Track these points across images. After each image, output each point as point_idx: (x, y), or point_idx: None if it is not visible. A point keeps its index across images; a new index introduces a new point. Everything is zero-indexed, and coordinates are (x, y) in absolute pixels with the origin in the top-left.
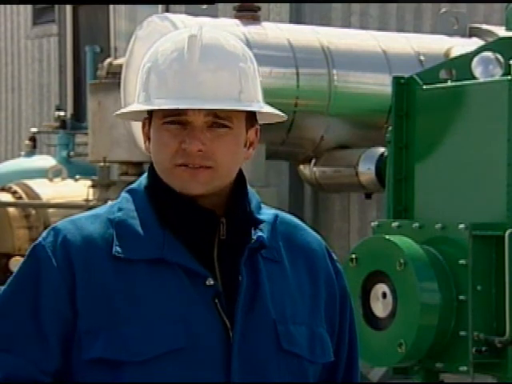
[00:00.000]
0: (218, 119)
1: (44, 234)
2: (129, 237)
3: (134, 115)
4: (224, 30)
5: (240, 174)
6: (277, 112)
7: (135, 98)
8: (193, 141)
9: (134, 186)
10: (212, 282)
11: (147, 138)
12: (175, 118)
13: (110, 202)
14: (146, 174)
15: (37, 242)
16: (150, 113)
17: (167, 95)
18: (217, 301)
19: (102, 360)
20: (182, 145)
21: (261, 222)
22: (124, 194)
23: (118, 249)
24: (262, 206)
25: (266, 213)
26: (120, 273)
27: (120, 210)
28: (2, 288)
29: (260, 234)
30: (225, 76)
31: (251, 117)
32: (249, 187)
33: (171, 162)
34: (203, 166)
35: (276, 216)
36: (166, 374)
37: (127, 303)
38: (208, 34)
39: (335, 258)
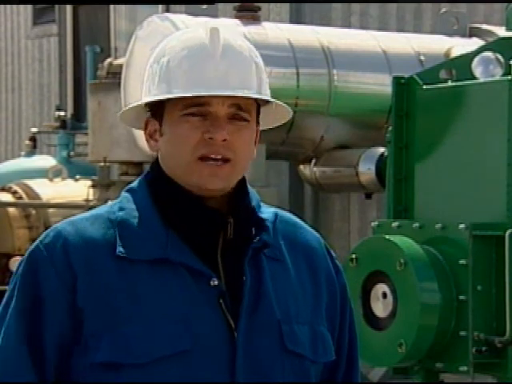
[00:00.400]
0: (241, 111)
1: (42, 236)
2: (132, 237)
3: (136, 121)
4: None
5: None
6: (288, 108)
7: (145, 93)
8: (218, 130)
9: (133, 185)
10: (216, 282)
11: (151, 136)
12: (196, 109)
13: (109, 202)
14: (145, 174)
15: (34, 245)
16: (161, 109)
17: (191, 85)
18: (221, 301)
19: (106, 363)
20: (206, 135)
21: (263, 220)
22: (124, 194)
23: (122, 249)
24: (262, 204)
25: (266, 211)
26: (123, 273)
27: (121, 209)
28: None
29: (263, 233)
30: (246, 68)
31: (258, 115)
32: (249, 186)
33: (193, 154)
34: (224, 159)
35: (276, 215)
36: (170, 375)
37: (131, 304)
38: (223, 31)
39: (334, 255)
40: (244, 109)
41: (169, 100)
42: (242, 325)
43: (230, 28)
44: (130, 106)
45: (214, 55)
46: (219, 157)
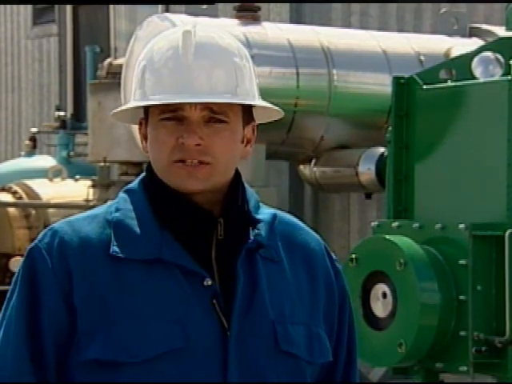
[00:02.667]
0: (215, 114)
1: (40, 235)
2: (126, 237)
3: (131, 118)
4: (224, 29)
5: (236, 173)
6: (271, 106)
7: (131, 97)
8: (190, 135)
9: (131, 186)
10: (210, 283)
11: (144, 137)
12: (171, 115)
13: (108, 203)
14: (143, 174)
15: (33, 244)
16: (147, 112)
17: (163, 91)
18: (215, 301)
19: (99, 361)
20: (179, 140)
21: (259, 221)
22: (122, 194)
23: (116, 248)
24: (261, 205)
25: (265, 212)
26: (117, 273)
27: (117, 210)
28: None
29: (258, 233)
30: (220, 71)
31: (248, 113)
32: (248, 187)
33: (169, 158)
34: (201, 162)
35: (275, 215)
36: (163, 375)
37: (124, 303)
38: (202, 31)
39: (334, 257)
40: (218, 111)
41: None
42: (235, 325)
43: (227, 27)
44: (118, 110)
45: (185, 61)
46: (195, 161)
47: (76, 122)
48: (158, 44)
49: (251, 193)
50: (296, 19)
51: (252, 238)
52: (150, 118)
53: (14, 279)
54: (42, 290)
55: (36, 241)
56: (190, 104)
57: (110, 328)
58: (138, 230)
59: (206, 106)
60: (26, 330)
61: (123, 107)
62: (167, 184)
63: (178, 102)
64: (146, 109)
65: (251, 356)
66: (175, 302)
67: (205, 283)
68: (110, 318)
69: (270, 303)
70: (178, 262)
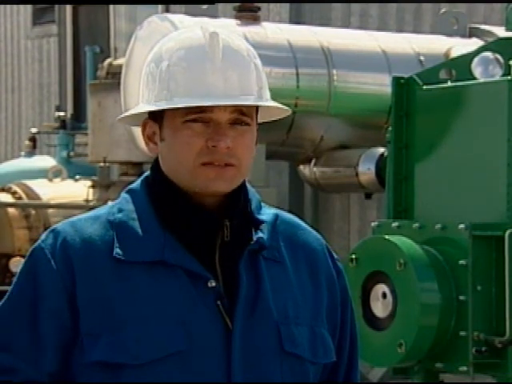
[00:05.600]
0: (242, 116)
1: (43, 236)
2: (129, 238)
3: (133, 119)
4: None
5: None
6: (286, 108)
7: (141, 98)
8: (222, 138)
9: (133, 186)
10: (214, 284)
11: (150, 139)
12: (198, 116)
13: (110, 203)
14: (146, 174)
15: (36, 244)
16: (161, 113)
17: (192, 93)
18: (219, 302)
19: (103, 363)
20: (209, 142)
21: (261, 222)
22: (124, 195)
23: (119, 251)
24: (263, 205)
25: (267, 213)
26: (120, 275)
27: (120, 211)
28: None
29: (260, 235)
30: (247, 72)
31: (257, 115)
32: (249, 187)
33: (196, 160)
34: (229, 164)
35: (276, 216)
36: (167, 377)
37: (127, 305)
38: (223, 33)
39: (336, 257)
40: (246, 113)
41: None
42: (238, 326)
43: (227, 27)
44: (132, 112)
45: (214, 61)
46: (222, 164)
47: (76, 122)
48: (172, 45)
49: (253, 193)
50: (296, 19)
51: (254, 239)
52: (168, 119)
53: (15, 279)
54: (46, 292)
55: (39, 242)
56: (219, 106)
57: (113, 330)
58: (140, 231)
59: (236, 109)
60: (29, 330)
61: (147, 108)
62: (178, 186)
63: (220, 104)
64: (162, 110)
65: (255, 357)
66: (179, 304)
67: (209, 285)
68: (114, 320)
69: (274, 304)
70: (182, 263)
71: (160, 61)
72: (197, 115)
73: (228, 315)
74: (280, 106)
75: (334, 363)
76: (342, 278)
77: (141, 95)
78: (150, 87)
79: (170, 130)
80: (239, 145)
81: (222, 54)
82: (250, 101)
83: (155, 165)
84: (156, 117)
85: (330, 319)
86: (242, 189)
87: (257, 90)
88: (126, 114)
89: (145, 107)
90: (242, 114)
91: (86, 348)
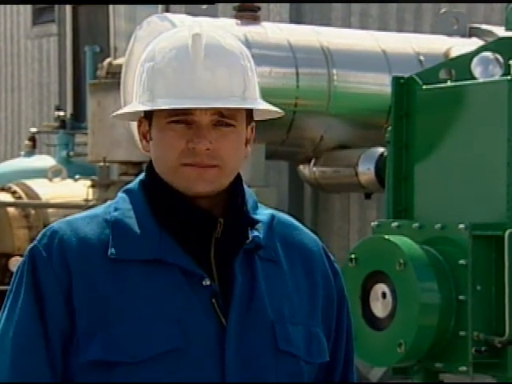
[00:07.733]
0: (224, 118)
1: (39, 235)
2: (125, 237)
3: (131, 115)
4: (224, 29)
5: (236, 174)
6: (275, 109)
7: (134, 97)
8: (201, 140)
9: (130, 185)
10: (209, 282)
11: (143, 137)
12: (180, 118)
13: (107, 202)
14: (143, 174)
15: (32, 244)
16: (150, 112)
17: (174, 95)
18: (214, 301)
19: (99, 361)
20: (189, 144)
21: (257, 222)
22: (120, 194)
23: (114, 250)
24: (259, 205)
25: (263, 213)
26: (116, 273)
27: (116, 210)
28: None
29: (256, 234)
30: (229, 75)
31: (249, 114)
32: (246, 187)
33: (177, 161)
34: (210, 165)
35: (273, 216)
36: (162, 375)
37: (123, 304)
38: (209, 32)
39: (333, 258)
40: (227, 115)
41: None
42: (233, 324)
43: (227, 27)
44: (124, 111)
45: (196, 65)
46: (204, 165)
47: (76, 121)
48: (163, 44)
49: (250, 193)
50: (296, 19)
51: (250, 238)
52: (155, 119)
53: (13, 279)
54: (45, 292)
55: (35, 241)
56: (201, 109)
57: (108, 328)
58: (136, 229)
59: (216, 111)
60: (43, 335)
61: (130, 109)
62: (170, 185)
63: (195, 107)
64: (150, 110)
65: (250, 355)
66: (174, 302)
67: (204, 283)
68: (109, 319)
69: (269, 303)
70: (177, 262)
71: (147, 61)
72: (179, 117)
73: (223, 313)
74: (264, 107)
75: (330, 363)
76: (338, 279)
77: (134, 94)
78: (139, 87)
79: (155, 130)
80: (222, 145)
81: (204, 55)
82: (229, 103)
83: (149, 164)
84: (147, 116)
85: (326, 319)
86: (238, 188)
87: (241, 91)
88: (119, 112)
89: (134, 106)
90: (223, 116)
91: (82, 347)
